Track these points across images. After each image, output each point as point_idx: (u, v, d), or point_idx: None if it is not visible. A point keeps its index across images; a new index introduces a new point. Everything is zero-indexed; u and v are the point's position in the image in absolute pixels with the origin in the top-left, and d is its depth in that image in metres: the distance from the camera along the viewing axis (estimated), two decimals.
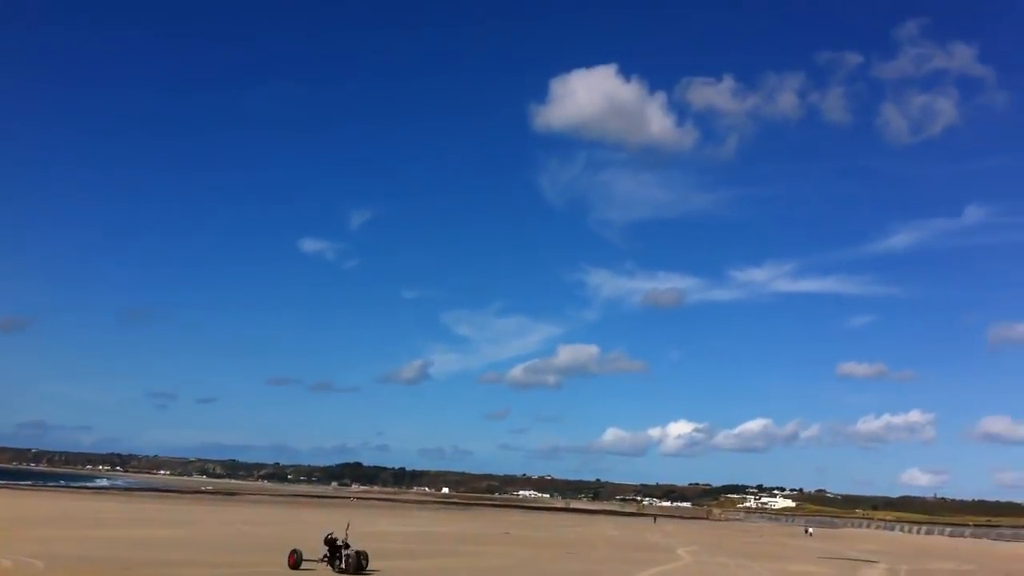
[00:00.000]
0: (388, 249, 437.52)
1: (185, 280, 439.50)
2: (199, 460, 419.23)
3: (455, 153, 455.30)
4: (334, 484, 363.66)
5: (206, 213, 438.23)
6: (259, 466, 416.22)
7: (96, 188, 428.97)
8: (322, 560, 31.18)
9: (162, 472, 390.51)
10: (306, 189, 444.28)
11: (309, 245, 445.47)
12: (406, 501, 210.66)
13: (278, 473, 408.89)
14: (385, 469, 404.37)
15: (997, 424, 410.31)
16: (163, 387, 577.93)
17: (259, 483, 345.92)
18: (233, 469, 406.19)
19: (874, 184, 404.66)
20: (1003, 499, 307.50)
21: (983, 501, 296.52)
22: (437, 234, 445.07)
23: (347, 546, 31.02)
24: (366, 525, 64.52)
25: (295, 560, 30.78)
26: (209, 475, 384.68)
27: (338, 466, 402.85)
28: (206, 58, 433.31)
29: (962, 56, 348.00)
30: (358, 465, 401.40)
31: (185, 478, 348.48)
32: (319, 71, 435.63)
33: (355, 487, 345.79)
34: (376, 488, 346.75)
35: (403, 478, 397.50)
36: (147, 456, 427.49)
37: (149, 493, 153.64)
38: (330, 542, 31.48)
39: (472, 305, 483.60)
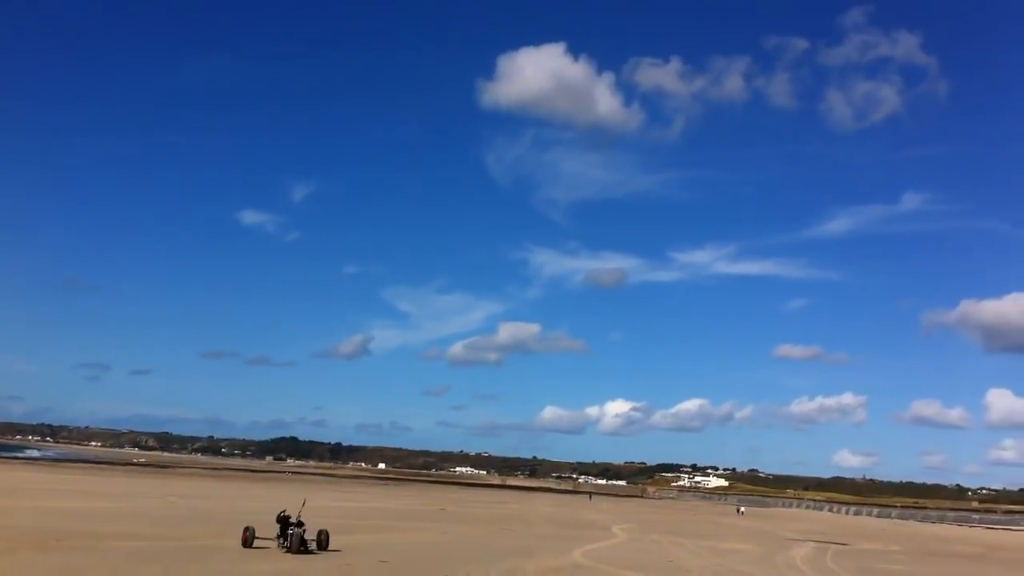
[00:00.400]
0: (330, 223, 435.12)
1: (121, 250, 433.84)
2: (131, 432, 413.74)
3: (401, 128, 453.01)
4: (269, 458, 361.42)
5: (144, 182, 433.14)
6: (193, 439, 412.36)
7: (28, 155, 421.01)
8: (277, 539, 30.48)
9: (93, 444, 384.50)
10: (247, 161, 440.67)
11: (249, 217, 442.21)
12: (342, 476, 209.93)
13: (212, 447, 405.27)
14: (321, 444, 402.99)
15: (927, 408, 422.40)
16: (96, 358, 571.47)
17: (192, 456, 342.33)
18: (166, 442, 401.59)
19: (816, 169, 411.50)
20: (930, 481, 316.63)
21: (911, 483, 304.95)
22: (380, 209, 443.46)
23: (300, 524, 30.36)
24: (296, 500, 64.20)
25: (247, 537, 30.27)
26: (141, 448, 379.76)
27: (273, 440, 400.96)
28: (146, 27, 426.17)
29: (906, 44, 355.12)
30: (294, 440, 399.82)
31: (117, 450, 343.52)
32: (263, 44, 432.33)
33: (290, 462, 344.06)
34: (312, 463, 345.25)
35: (339, 453, 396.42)
36: (78, 427, 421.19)
37: (80, 464, 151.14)
38: (282, 520, 30.85)
39: (414, 281, 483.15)
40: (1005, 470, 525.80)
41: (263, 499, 66.38)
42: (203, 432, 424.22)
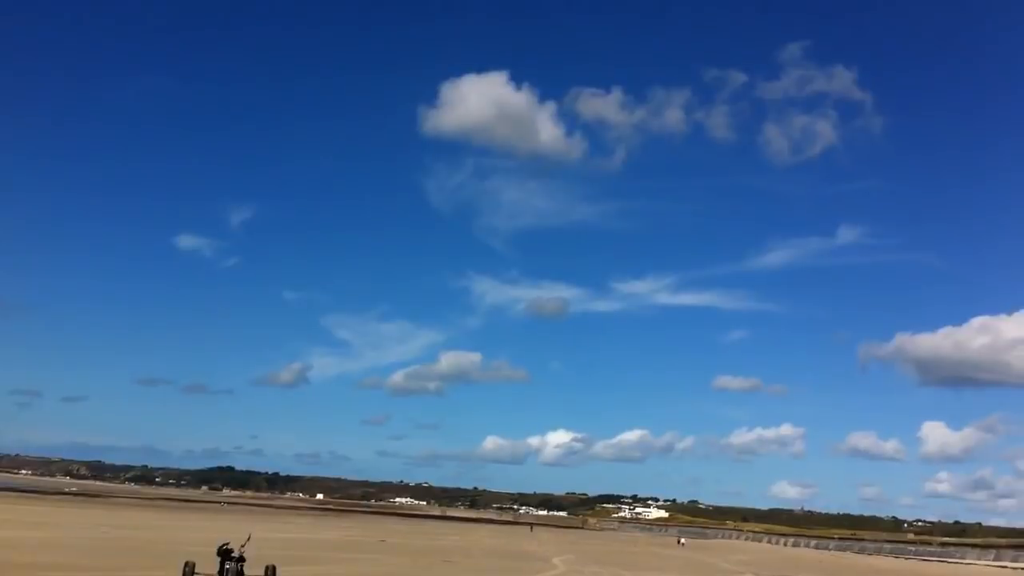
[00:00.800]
0: (269, 249, 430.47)
1: (54, 273, 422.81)
2: (63, 460, 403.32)
3: (342, 154, 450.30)
4: (204, 488, 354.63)
5: (77, 205, 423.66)
6: (126, 468, 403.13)
7: None
8: (218, 574, 29.27)
9: (23, 472, 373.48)
10: (185, 185, 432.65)
11: (186, 242, 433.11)
12: (279, 507, 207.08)
13: (146, 475, 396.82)
14: (258, 474, 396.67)
15: (863, 440, 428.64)
16: (27, 384, 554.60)
17: (125, 486, 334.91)
18: (99, 470, 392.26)
19: (754, 201, 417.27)
20: (866, 512, 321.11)
21: (848, 515, 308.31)
22: (320, 235, 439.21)
23: (241, 559, 29.17)
24: (236, 531, 63.24)
25: (187, 573, 29.20)
26: (73, 476, 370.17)
27: (209, 470, 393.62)
28: (82, 46, 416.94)
29: (842, 80, 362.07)
30: (230, 469, 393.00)
31: (48, 479, 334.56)
32: (202, 66, 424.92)
33: (227, 492, 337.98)
34: (249, 493, 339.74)
35: (277, 483, 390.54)
36: (8, 455, 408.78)
37: (9, 493, 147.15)
38: (223, 553, 29.64)
39: (354, 309, 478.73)
40: (939, 502, 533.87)
41: (201, 530, 65.28)
42: (137, 461, 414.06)
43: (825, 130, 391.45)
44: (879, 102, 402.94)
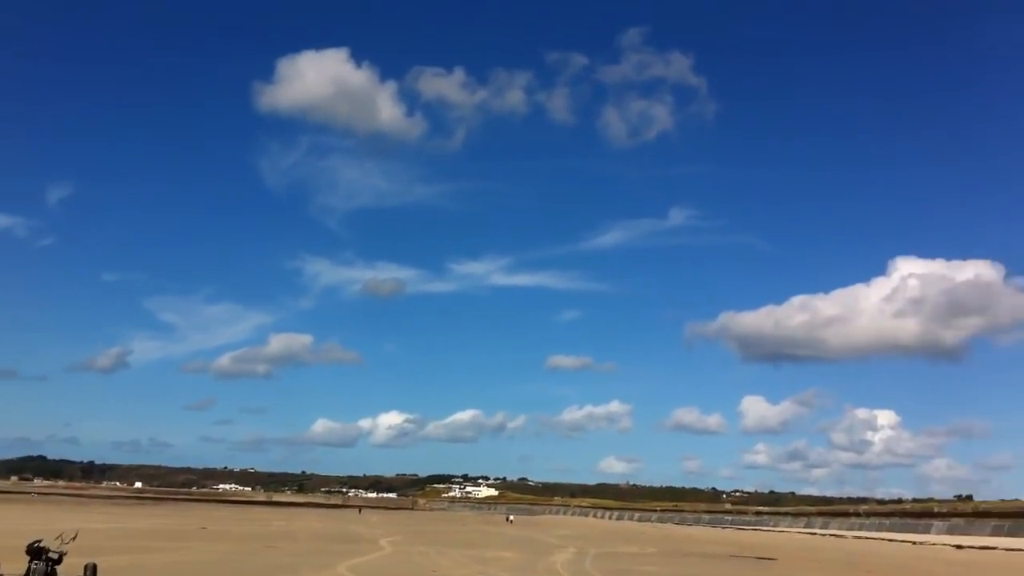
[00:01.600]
0: (89, 228, 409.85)
1: None
2: None
3: (170, 130, 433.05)
4: (13, 478, 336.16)
5: None
6: None
7: None
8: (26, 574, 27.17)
9: None
10: None
11: None
12: (93, 496, 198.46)
13: None
14: (72, 463, 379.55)
15: (687, 415, 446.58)
16: None
17: None
18: None
19: (592, 184, 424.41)
20: (688, 485, 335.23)
21: (671, 487, 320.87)
22: (145, 215, 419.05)
23: (58, 559, 26.89)
24: (48, 522, 60.13)
25: None
26: None
27: (19, 459, 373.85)
28: None
29: (679, 65, 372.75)
30: (41, 459, 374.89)
31: None
32: (18, 38, 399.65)
33: (38, 482, 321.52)
34: (62, 483, 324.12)
35: (92, 473, 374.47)
36: None
37: None
38: (33, 551, 27.27)
39: (180, 290, 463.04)
40: (756, 473, 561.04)
41: (8, 521, 61.63)
42: None
43: (662, 114, 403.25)
44: (712, 88, 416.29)
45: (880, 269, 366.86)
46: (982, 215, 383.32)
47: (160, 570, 33.52)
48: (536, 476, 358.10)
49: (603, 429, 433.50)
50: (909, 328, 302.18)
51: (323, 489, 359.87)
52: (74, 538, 28.11)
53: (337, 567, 36.93)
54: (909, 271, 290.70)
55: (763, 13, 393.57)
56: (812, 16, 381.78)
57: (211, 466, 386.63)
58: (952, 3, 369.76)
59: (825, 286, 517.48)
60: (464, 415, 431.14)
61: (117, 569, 32.29)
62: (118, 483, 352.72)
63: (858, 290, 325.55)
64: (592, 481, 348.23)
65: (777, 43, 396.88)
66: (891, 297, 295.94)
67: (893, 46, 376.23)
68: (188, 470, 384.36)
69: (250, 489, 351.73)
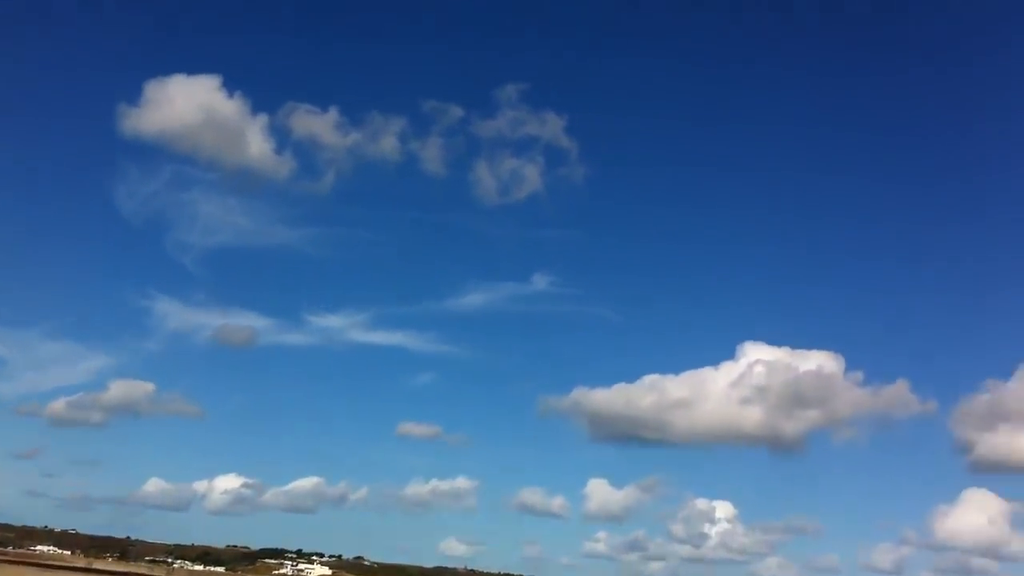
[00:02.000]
0: None
1: None
2: None
3: (17, 149, 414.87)
4: None
5: None
6: None
7: None
8: None
9: None
10: None
11: None
12: None
13: None
14: None
15: (533, 496, 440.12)
16: None
17: None
18: None
19: (459, 241, 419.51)
20: (527, 573, 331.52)
21: (509, 574, 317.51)
22: None
23: None
24: None
25: None
26: None
27: None
28: None
29: (553, 126, 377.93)
30: None
31: None
32: None
33: None
34: None
35: None
36: None
37: None
38: None
39: (12, 323, 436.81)
40: (595, 563, 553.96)
41: None
42: None
43: (532, 174, 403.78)
44: (583, 152, 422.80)
45: (730, 353, 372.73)
46: (822, 303, 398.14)
47: None
48: (374, 555, 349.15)
49: (447, 506, 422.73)
50: (753, 416, 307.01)
51: (147, 558, 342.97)
52: None
53: None
54: (756, 357, 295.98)
55: (639, 79, 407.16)
56: (689, 85, 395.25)
57: (31, 524, 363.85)
58: (816, 78, 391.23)
59: (676, 367, 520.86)
60: (306, 482, 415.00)
61: None
62: None
63: (707, 373, 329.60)
64: (431, 563, 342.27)
65: (650, 111, 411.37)
66: (738, 383, 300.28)
67: (765, 122, 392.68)
68: (6, 527, 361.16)
69: (69, 553, 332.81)
